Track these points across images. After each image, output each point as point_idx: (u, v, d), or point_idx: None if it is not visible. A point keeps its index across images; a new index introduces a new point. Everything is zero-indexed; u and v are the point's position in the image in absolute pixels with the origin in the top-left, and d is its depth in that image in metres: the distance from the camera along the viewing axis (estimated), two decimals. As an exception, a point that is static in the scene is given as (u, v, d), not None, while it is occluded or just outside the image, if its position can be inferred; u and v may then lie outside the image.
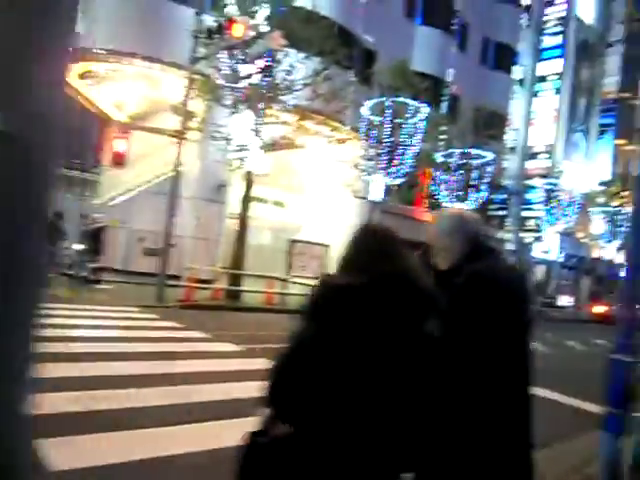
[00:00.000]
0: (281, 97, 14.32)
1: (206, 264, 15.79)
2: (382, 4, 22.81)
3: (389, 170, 17.95)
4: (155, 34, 16.47)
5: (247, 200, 14.90)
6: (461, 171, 21.74)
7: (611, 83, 40.53)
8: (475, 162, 21.70)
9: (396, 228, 1.62)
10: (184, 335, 8.59)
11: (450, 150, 21.65)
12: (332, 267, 1.80)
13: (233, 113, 14.07)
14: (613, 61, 40.48)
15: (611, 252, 36.56)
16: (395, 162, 17.71)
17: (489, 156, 21.72)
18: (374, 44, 21.44)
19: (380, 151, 17.93)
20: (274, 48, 13.21)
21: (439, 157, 21.79)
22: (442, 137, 22.25)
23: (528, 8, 33.41)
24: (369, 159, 18.29)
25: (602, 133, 40.47)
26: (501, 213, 32.92)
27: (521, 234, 33.68)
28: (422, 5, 25.72)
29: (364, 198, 18.65)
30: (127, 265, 17.11)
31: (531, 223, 33.01)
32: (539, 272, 32.18)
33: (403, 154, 17.95)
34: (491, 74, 30.05)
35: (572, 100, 36.41)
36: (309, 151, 21.42)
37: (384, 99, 17.38)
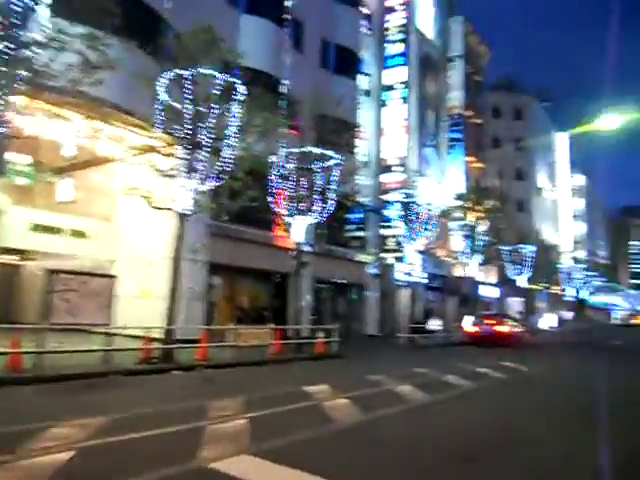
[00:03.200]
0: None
1: None
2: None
3: (199, 172, 13.27)
4: None
5: None
6: (302, 177, 17.70)
7: (456, 97, 40.00)
8: (319, 165, 17.80)
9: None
10: None
11: (288, 150, 17.56)
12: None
13: None
14: (455, 76, 40.08)
15: (473, 269, 34.92)
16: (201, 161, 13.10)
17: (335, 158, 17.94)
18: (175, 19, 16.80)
19: (186, 146, 13.22)
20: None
21: (275, 160, 17.60)
22: (281, 142, 18.17)
23: (369, 17, 31.36)
24: (173, 156, 13.52)
25: (452, 147, 39.58)
26: (361, 234, 29.79)
27: (382, 254, 30.69)
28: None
29: (169, 209, 13.69)
30: None
31: (391, 242, 30.17)
32: (405, 296, 29.20)
33: (217, 151, 13.41)
34: (334, 79, 27.03)
35: (421, 113, 34.85)
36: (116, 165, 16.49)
37: (184, 72, 12.76)
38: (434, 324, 34.22)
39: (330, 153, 17.69)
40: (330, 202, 18.19)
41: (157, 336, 13.56)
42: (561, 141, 77.93)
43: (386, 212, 29.89)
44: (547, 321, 56.98)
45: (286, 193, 18.04)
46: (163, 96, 13.13)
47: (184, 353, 13.86)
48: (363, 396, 9.54)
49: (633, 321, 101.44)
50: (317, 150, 17.50)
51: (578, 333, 49.21)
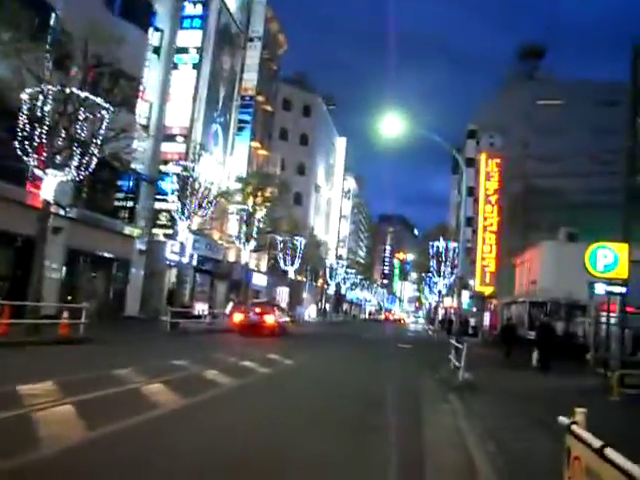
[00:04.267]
0: None
1: None
2: None
3: None
4: None
5: None
6: (61, 123, 14.52)
7: (250, 79, 38.95)
8: (85, 113, 14.78)
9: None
10: None
11: (46, 88, 14.19)
12: None
13: None
14: (252, 57, 39.02)
15: (246, 255, 34.24)
16: None
17: (105, 108, 15.10)
18: None
19: None
20: None
21: (24, 97, 14.09)
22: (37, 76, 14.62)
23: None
24: None
25: (240, 129, 38.46)
26: (131, 204, 26.72)
27: (153, 230, 28.07)
28: None
29: None
30: None
31: (164, 218, 27.76)
32: (172, 276, 27.04)
33: None
34: (120, 23, 23.51)
35: (212, 86, 32.90)
36: None
37: None
38: (201, 309, 32.75)
39: (99, 101, 14.82)
40: (94, 159, 15.31)
41: None
42: (340, 145, 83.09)
43: (162, 184, 27.37)
44: (310, 312, 59.96)
45: (39, 140, 14.64)
46: None
47: None
48: (98, 399, 7.50)
49: (381, 316, 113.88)
50: (82, 94, 14.45)
51: (337, 325, 52.69)
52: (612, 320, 25.52)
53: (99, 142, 15.30)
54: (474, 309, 46.12)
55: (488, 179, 45.34)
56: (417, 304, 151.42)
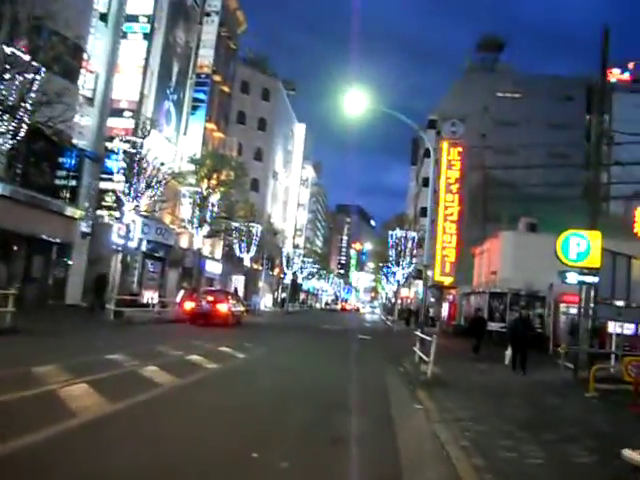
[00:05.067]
0: None
1: None
2: None
3: None
4: None
5: None
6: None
7: (207, 56, 36.98)
8: (12, 72, 12.94)
9: None
10: None
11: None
12: None
13: None
14: (209, 33, 37.04)
15: (199, 241, 32.52)
16: None
17: (38, 68, 13.30)
18: None
19: None
20: None
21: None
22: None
23: None
24: None
25: (195, 108, 36.52)
26: (73, 183, 24.67)
27: (98, 211, 26.09)
28: None
29: None
30: None
31: (110, 199, 25.80)
32: (116, 262, 25.09)
33: None
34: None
35: (165, 60, 30.93)
36: None
37: None
38: (150, 297, 30.98)
39: (27, 59, 13.02)
40: (23, 126, 13.50)
41: None
42: (299, 131, 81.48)
43: (107, 162, 25.38)
44: (266, 301, 58.55)
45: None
46: None
47: None
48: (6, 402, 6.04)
49: (337, 306, 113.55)
50: (8, 49, 12.63)
51: (294, 315, 51.47)
52: (572, 311, 25.44)
53: (28, 107, 13.48)
54: (432, 299, 45.73)
55: (449, 167, 44.74)
56: (373, 294, 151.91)
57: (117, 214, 24.91)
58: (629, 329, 17.65)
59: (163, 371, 9.56)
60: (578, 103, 66.35)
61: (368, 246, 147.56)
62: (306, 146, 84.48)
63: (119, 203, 23.99)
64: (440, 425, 7.46)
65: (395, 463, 5.62)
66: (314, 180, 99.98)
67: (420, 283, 64.29)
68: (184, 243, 35.90)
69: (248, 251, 42.96)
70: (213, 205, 31.20)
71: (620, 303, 16.01)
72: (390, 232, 43.46)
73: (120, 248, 24.13)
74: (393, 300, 60.13)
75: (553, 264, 27.04)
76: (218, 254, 44.24)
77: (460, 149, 45.72)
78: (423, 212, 68.78)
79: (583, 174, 64.26)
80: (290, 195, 78.11)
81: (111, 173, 24.88)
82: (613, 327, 17.09)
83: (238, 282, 49.20)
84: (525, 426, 7.67)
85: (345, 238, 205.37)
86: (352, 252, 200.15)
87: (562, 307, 27.65)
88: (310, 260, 79.86)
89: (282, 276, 65.45)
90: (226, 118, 46.42)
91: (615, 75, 62.21)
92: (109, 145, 25.65)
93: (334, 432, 6.74)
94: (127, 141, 23.56)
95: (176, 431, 6.08)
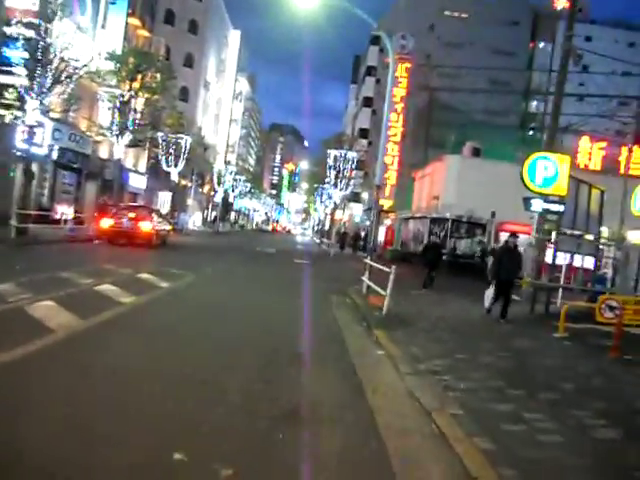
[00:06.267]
0: None
1: None
2: None
3: None
4: None
5: None
6: None
7: None
8: None
9: None
10: None
11: None
12: None
13: None
14: None
15: (121, 151, 29.16)
16: None
17: None
18: None
19: None
20: None
21: None
22: None
23: None
24: None
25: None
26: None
27: (-3, 111, 22.26)
28: None
29: None
30: None
31: (11, 95, 21.98)
32: (20, 170, 21.70)
33: None
34: None
35: None
36: None
37: None
38: (64, 212, 27.75)
39: None
40: None
41: None
42: (233, 39, 75.62)
43: (6, 51, 21.34)
44: (195, 220, 55.79)
45: None
46: None
47: None
48: None
49: (268, 227, 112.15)
50: None
51: (225, 236, 49.18)
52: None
53: None
54: (367, 222, 44.81)
55: (396, 85, 42.30)
56: (304, 216, 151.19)
57: (20, 114, 21.26)
58: (565, 259, 16.59)
59: (61, 309, 7.42)
60: (523, 28, 65.07)
61: (303, 166, 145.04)
62: (240, 57, 78.92)
63: (22, 102, 20.36)
64: (415, 380, 6.01)
65: (377, 435, 4.06)
66: (248, 94, 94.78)
67: (355, 206, 63.44)
68: (104, 153, 32.29)
69: (176, 165, 39.73)
70: (136, 111, 27.75)
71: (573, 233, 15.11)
72: (329, 151, 41.38)
73: (24, 154, 20.76)
74: (326, 223, 59.05)
75: (496, 191, 26.50)
76: (142, 167, 40.63)
77: (408, 65, 43.39)
78: (362, 133, 66.93)
79: (522, 104, 64.19)
80: (222, 108, 73.40)
81: (11, 65, 20.98)
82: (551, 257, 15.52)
83: (164, 199, 45.97)
84: (514, 381, 6.37)
85: (278, 158, 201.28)
86: (285, 172, 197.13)
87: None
88: (242, 178, 76.93)
89: (213, 194, 62.38)
90: (152, 15, 41.43)
91: (562, 3, 61.01)
92: (7, 30, 21.46)
93: (287, 403, 5.01)
94: (29, 25, 19.68)
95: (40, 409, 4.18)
